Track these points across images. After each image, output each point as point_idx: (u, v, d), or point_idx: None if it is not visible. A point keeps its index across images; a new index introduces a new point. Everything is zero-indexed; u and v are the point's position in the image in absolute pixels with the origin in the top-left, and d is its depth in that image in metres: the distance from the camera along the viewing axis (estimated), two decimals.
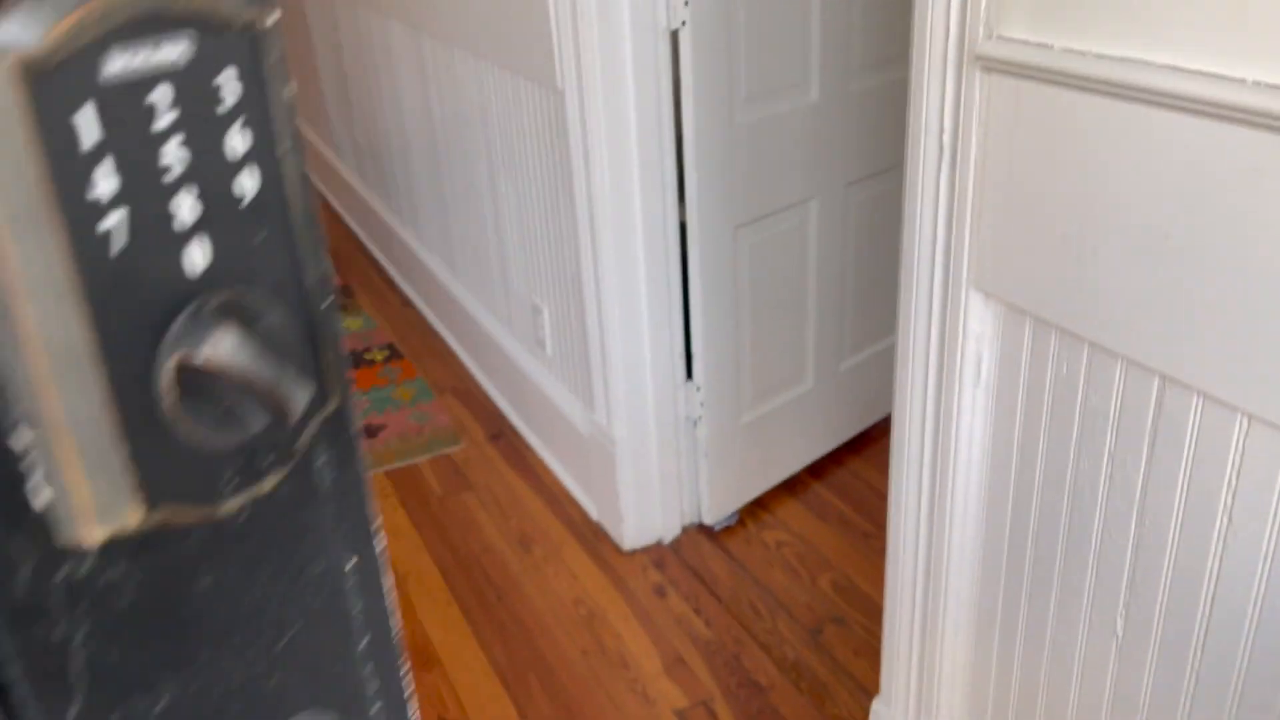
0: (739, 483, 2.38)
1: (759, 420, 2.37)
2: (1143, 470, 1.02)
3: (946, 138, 1.12)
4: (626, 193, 2.00)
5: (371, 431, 2.81)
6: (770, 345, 2.32)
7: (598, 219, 2.02)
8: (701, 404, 2.23)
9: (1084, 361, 1.05)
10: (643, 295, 2.11)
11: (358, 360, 3.20)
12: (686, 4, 1.85)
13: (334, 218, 4.46)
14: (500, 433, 2.78)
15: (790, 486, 2.50)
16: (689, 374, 2.23)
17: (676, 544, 2.32)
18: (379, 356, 3.23)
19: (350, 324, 3.46)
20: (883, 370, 2.66)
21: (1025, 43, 1.00)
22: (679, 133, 2.01)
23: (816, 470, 2.55)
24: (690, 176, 2.01)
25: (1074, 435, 1.09)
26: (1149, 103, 0.90)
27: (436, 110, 2.81)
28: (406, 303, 3.59)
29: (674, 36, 1.91)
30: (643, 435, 2.22)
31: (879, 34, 2.24)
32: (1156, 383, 0.98)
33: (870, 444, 2.66)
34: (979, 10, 1.04)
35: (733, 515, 2.39)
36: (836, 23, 2.13)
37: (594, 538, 2.35)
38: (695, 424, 2.26)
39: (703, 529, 2.36)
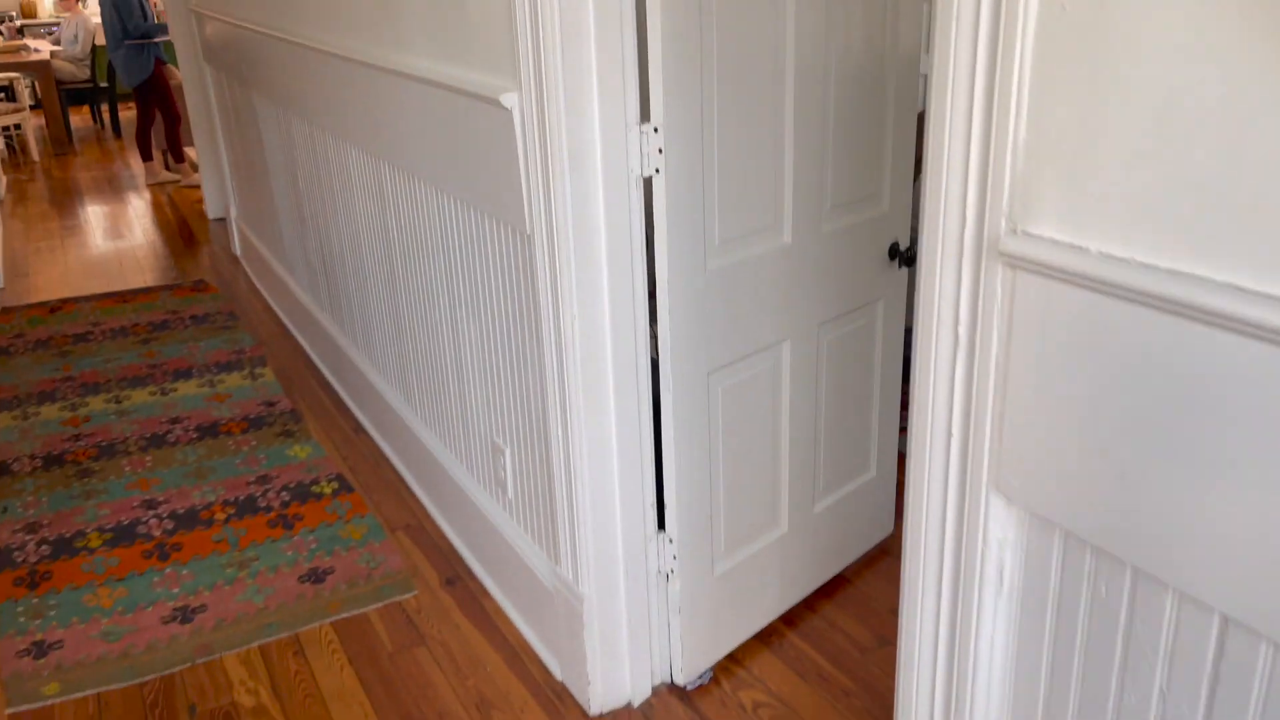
0: (713, 638, 2.25)
1: (733, 570, 2.24)
2: (1202, 713, 0.92)
3: (963, 330, 1.04)
4: (597, 338, 1.91)
5: (318, 576, 2.64)
6: (744, 490, 2.22)
7: (567, 363, 1.92)
8: (674, 556, 2.10)
9: (1127, 586, 0.95)
10: (613, 442, 2.00)
11: (304, 493, 3.03)
12: (661, 152, 1.79)
13: (284, 334, 4.32)
14: (456, 577, 2.62)
15: (764, 637, 2.36)
16: (661, 524, 2.11)
17: (647, 707, 2.16)
18: (328, 489, 3.06)
19: (298, 452, 3.29)
20: (855, 511, 2.56)
21: (1056, 242, 0.92)
22: (652, 278, 1.93)
23: (790, 618, 2.43)
24: (663, 323, 1.93)
25: (1116, 663, 0.99)
26: (1207, 323, 0.82)
27: (395, 237, 2.72)
28: (358, 429, 3.43)
29: (647, 183, 1.84)
30: (612, 591, 2.09)
31: (850, 175, 2.19)
32: (1217, 622, 0.88)
33: (842, 587, 2.55)
34: (1000, 203, 0.96)
35: (706, 673, 2.25)
36: (809, 165, 2.08)
37: (558, 700, 2.18)
38: (668, 578, 2.13)
39: (674, 689, 2.21)
